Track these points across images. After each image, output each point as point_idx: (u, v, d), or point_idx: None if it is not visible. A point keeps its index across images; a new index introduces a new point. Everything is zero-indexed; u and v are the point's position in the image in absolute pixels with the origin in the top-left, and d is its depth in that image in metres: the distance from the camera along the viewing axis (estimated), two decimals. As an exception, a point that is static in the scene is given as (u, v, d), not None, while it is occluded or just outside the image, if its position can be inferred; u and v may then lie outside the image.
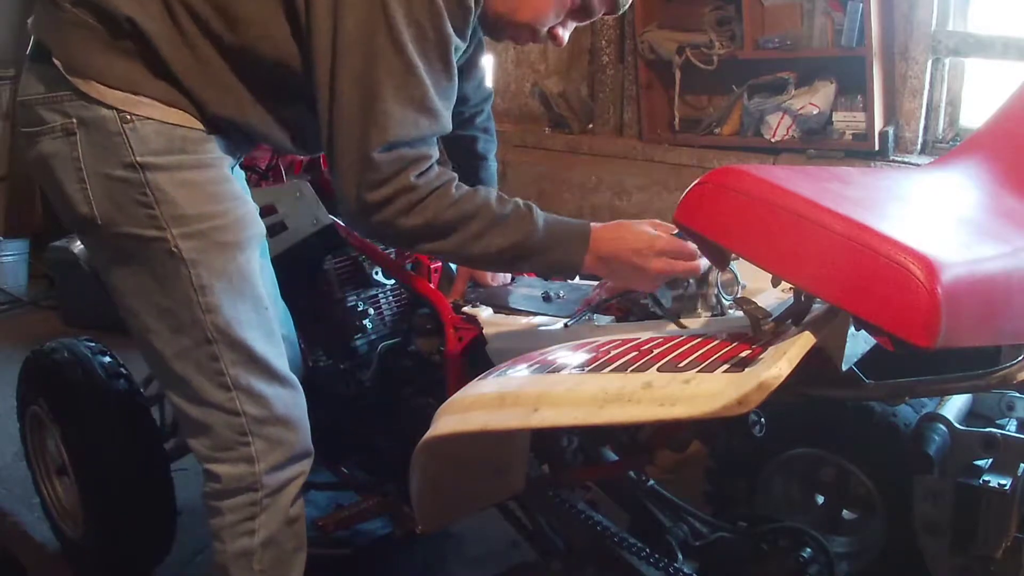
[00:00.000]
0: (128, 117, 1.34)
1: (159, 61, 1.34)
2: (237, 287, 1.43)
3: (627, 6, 1.50)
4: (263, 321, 1.48)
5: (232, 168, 1.50)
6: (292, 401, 1.52)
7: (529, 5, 1.45)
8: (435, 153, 1.38)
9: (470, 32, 1.38)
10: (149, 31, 1.32)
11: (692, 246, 1.39)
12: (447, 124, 1.37)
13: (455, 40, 1.34)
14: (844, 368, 1.19)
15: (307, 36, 1.32)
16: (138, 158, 1.34)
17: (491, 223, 1.35)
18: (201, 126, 1.39)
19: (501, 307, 1.71)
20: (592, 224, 1.42)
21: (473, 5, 1.35)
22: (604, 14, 1.52)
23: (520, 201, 1.40)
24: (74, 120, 1.35)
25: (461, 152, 1.93)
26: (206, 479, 1.52)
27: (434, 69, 1.33)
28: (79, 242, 2.89)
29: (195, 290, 1.40)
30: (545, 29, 1.49)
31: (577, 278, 1.92)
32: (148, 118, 1.35)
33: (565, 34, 1.51)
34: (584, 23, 1.56)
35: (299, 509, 1.57)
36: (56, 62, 1.35)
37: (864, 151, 2.86)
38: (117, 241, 1.40)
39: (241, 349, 1.44)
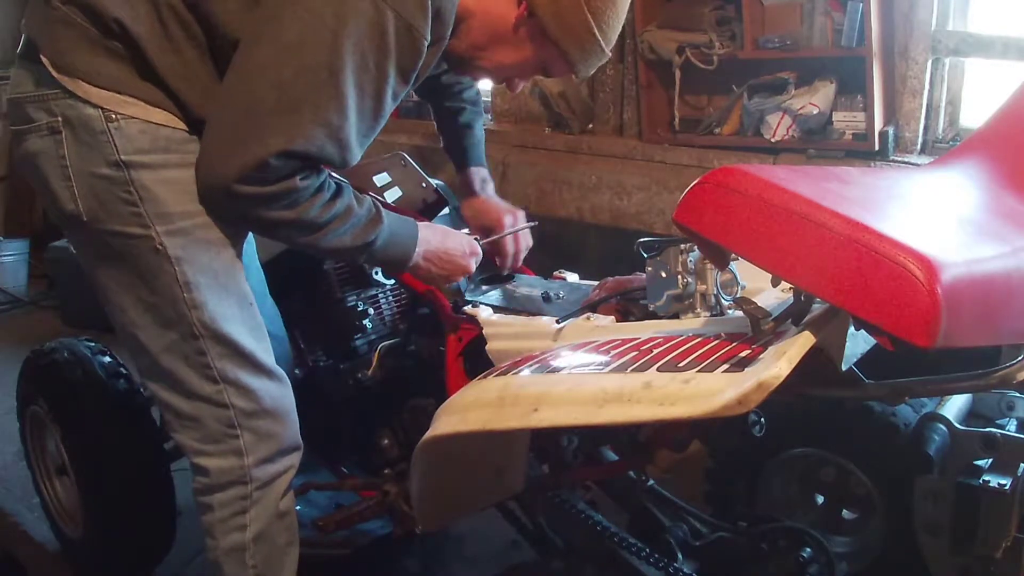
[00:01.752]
0: (113, 116, 1.34)
1: (145, 63, 1.34)
2: (222, 283, 1.44)
3: (590, 74, 1.54)
4: (248, 316, 1.49)
5: None
6: (280, 395, 1.53)
7: (491, 57, 1.51)
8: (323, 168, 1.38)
9: (416, 74, 1.38)
10: (137, 33, 1.32)
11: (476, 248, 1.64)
12: (352, 160, 1.37)
13: (395, 84, 1.34)
14: (844, 368, 1.19)
15: (252, 24, 1.30)
16: (122, 156, 1.35)
17: (350, 224, 1.41)
18: (185, 127, 1.39)
19: (501, 307, 1.71)
20: (418, 224, 1.56)
21: (425, 48, 1.35)
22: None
23: (371, 202, 1.46)
24: (60, 118, 1.35)
25: (447, 122, 1.96)
26: (195, 473, 1.52)
27: (362, 105, 1.32)
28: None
29: (180, 286, 1.40)
30: (502, 76, 1.57)
31: (576, 277, 1.93)
32: (133, 117, 1.35)
33: (520, 84, 1.60)
34: (546, 77, 1.62)
35: (290, 503, 1.57)
36: (44, 60, 1.35)
37: (864, 151, 2.85)
38: (103, 238, 1.40)
39: (227, 344, 1.45)
